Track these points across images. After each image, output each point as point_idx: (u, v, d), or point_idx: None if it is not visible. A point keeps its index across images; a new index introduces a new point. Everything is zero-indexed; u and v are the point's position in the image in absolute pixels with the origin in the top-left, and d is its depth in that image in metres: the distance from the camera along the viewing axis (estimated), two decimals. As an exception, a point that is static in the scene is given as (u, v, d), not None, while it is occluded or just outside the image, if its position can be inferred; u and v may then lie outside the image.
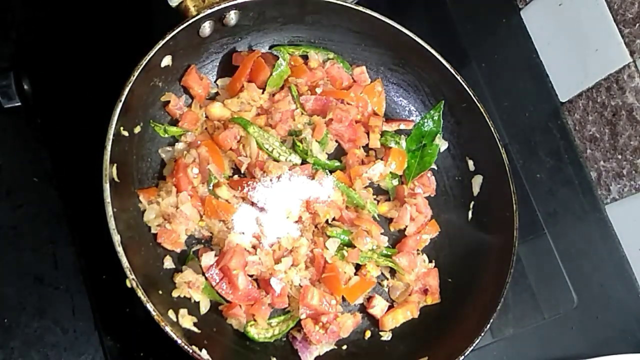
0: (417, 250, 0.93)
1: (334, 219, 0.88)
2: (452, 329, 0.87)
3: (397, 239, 0.93)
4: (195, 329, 0.76)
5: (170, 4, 0.82)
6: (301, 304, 0.81)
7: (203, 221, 0.82)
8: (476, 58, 1.08)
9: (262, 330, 0.81)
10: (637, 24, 0.96)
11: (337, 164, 0.93)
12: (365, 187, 0.92)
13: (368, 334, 0.87)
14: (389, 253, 0.89)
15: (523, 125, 1.08)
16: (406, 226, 0.92)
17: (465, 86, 0.93)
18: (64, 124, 0.85)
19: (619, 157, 1.03)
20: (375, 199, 0.93)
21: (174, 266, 0.81)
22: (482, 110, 0.92)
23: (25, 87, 0.84)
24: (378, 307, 0.87)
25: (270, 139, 0.87)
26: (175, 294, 0.78)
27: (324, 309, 0.82)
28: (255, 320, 0.80)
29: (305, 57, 0.94)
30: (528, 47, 1.12)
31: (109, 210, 0.71)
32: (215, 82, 0.91)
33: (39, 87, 0.85)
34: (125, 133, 0.78)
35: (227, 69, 0.91)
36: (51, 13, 0.89)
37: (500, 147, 0.92)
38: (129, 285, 0.69)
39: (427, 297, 0.90)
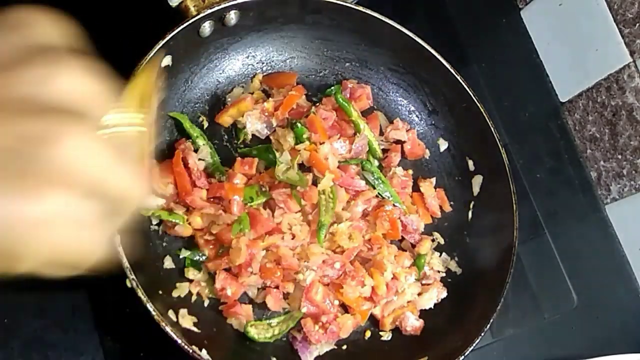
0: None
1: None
2: (452, 329, 0.87)
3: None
4: (195, 329, 0.76)
5: (170, 4, 0.82)
6: (305, 298, 0.81)
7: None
8: (476, 58, 1.08)
9: (262, 330, 0.81)
10: (637, 24, 0.96)
11: None
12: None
13: (368, 334, 0.87)
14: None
15: (523, 125, 1.08)
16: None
17: (465, 86, 0.93)
18: (64, 124, 0.85)
19: (619, 157, 1.03)
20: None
21: (174, 266, 0.81)
22: (482, 110, 0.92)
23: (26, 87, 0.84)
24: (379, 307, 0.88)
25: None
26: (175, 294, 0.78)
27: (325, 307, 0.82)
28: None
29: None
30: (528, 47, 1.12)
31: None
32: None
33: (39, 87, 0.85)
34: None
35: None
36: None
37: (500, 147, 0.92)
38: (129, 285, 0.69)
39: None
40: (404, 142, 0.96)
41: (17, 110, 0.31)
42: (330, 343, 0.83)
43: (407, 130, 0.96)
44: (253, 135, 0.90)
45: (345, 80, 0.96)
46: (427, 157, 0.98)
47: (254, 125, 0.89)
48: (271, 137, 0.90)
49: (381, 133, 0.97)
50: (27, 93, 0.32)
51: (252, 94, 0.92)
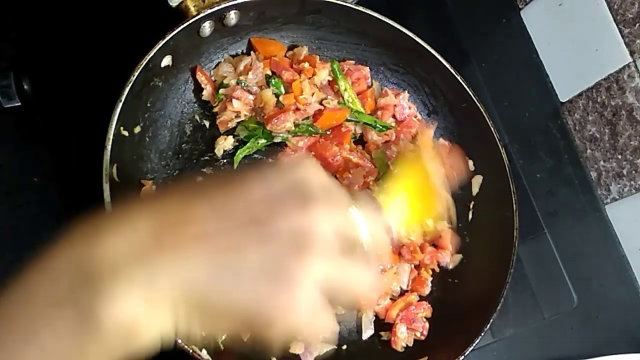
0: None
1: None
2: (452, 329, 0.87)
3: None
4: (195, 329, 0.76)
5: (170, 4, 0.82)
6: None
7: None
8: (476, 58, 1.08)
9: None
10: (637, 24, 0.96)
11: None
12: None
13: (369, 333, 0.87)
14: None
15: (523, 125, 1.08)
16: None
17: (465, 86, 0.93)
18: (64, 124, 0.85)
19: (619, 157, 1.03)
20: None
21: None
22: (482, 110, 0.92)
23: (25, 87, 0.84)
24: (382, 305, 0.87)
25: None
26: None
27: None
28: None
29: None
30: (528, 47, 1.12)
31: (109, 210, 0.71)
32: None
33: (39, 87, 0.85)
34: (125, 133, 0.78)
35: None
36: (51, 13, 0.89)
37: (500, 147, 0.92)
38: (129, 285, 0.69)
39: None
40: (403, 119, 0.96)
41: (276, 235, 0.42)
42: (330, 343, 0.83)
43: (396, 95, 0.96)
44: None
45: (343, 62, 0.95)
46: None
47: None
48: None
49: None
50: (286, 221, 0.43)
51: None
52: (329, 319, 0.45)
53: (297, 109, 0.88)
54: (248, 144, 0.88)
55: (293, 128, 0.88)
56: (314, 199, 0.44)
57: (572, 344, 0.99)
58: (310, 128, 0.89)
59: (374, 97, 0.96)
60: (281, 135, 0.88)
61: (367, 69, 0.96)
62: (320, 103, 0.90)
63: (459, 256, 0.92)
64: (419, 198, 0.54)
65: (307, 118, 0.89)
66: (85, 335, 0.39)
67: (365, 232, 0.47)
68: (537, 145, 1.08)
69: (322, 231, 0.43)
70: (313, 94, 0.89)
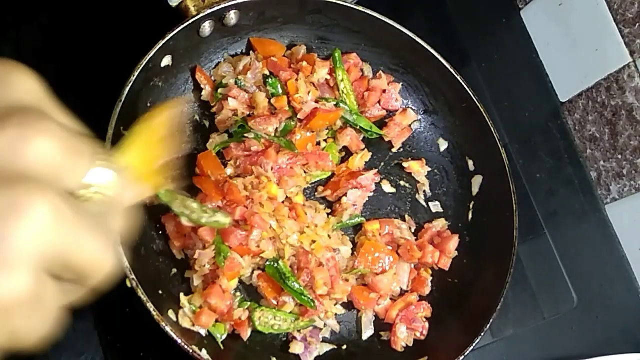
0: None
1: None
2: (452, 329, 0.87)
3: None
4: (195, 329, 0.76)
5: (170, 4, 0.82)
6: None
7: None
8: (476, 58, 1.08)
9: (265, 319, 0.80)
10: (637, 24, 0.96)
11: None
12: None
13: (369, 334, 0.87)
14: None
15: (523, 125, 1.08)
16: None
17: (465, 86, 0.93)
18: (64, 124, 0.85)
19: (619, 157, 1.03)
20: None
21: (174, 266, 0.81)
22: (482, 110, 0.92)
23: (26, 87, 0.84)
24: (382, 305, 0.87)
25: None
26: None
27: None
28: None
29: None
30: (528, 47, 1.12)
31: (109, 210, 0.71)
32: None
33: (39, 87, 0.85)
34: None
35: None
36: (51, 13, 0.89)
37: (500, 147, 0.92)
38: (129, 285, 0.69)
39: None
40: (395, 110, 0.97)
41: None
42: (330, 343, 0.83)
43: (389, 83, 0.96)
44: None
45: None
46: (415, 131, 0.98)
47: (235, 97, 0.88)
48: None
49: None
50: None
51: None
52: (56, 307, 0.33)
53: (284, 111, 0.87)
54: (234, 138, 0.87)
55: (272, 134, 0.86)
56: (33, 126, 0.30)
57: (572, 344, 0.99)
58: (289, 145, 0.86)
59: (368, 79, 0.96)
60: (260, 135, 0.85)
61: (355, 54, 0.95)
62: (317, 102, 0.90)
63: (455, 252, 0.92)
64: (150, 157, 0.48)
65: (290, 119, 0.89)
66: None
67: (103, 188, 0.35)
68: (537, 145, 1.08)
69: (42, 178, 0.30)
70: (309, 92, 0.89)
